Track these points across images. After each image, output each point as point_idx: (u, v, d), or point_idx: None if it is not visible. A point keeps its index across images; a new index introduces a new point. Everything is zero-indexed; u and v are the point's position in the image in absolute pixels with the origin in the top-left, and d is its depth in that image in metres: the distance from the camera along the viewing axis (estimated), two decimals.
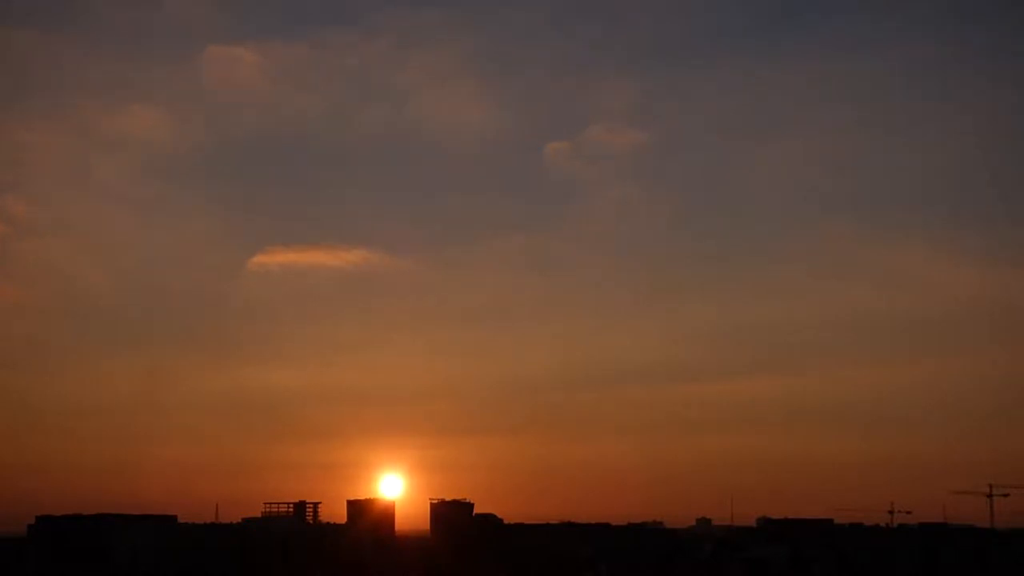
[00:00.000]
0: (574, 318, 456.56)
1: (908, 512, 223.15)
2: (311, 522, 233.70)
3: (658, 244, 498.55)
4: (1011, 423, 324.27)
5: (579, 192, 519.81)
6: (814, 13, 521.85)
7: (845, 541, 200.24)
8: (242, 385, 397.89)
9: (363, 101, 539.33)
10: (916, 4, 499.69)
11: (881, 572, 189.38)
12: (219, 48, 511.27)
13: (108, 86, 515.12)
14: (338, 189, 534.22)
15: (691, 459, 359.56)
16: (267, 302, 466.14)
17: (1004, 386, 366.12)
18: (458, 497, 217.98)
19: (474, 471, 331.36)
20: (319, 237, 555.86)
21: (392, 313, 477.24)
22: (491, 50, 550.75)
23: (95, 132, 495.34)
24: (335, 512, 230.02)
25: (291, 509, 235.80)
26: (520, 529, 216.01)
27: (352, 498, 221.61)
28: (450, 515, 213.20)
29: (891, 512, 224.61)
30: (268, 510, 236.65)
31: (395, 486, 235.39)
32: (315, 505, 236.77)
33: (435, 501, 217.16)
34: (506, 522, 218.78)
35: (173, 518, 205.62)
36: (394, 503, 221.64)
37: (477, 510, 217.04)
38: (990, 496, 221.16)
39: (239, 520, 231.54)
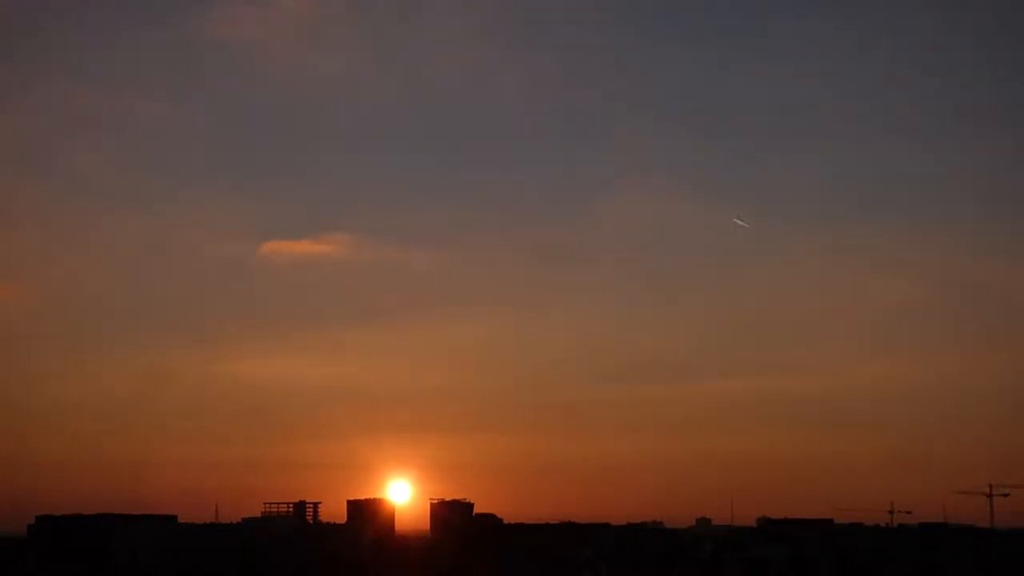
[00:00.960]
0: (575, 317, 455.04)
1: (908, 512, 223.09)
2: (311, 522, 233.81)
3: (659, 243, 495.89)
4: (1012, 423, 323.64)
5: None
6: None
7: (845, 541, 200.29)
8: (242, 384, 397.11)
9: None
10: None
11: (881, 572, 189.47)
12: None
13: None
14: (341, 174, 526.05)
15: (691, 459, 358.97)
16: (267, 299, 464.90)
17: (1004, 386, 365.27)
18: (458, 497, 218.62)
19: (474, 471, 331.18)
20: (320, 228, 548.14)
21: (393, 310, 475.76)
22: None
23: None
24: (335, 512, 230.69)
25: (291, 509, 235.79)
26: (520, 529, 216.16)
27: (352, 498, 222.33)
28: (450, 515, 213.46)
29: (891, 512, 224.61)
30: (268, 510, 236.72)
31: (403, 491, 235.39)
32: (315, 505, 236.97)
33: (435, 501, 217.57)
34: (506, 522, 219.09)
35: (173, 518, 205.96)
36: (394, 504, 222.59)
37: (477, 510, 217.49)
38: (990, 496, 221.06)
39: (239, 520, 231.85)
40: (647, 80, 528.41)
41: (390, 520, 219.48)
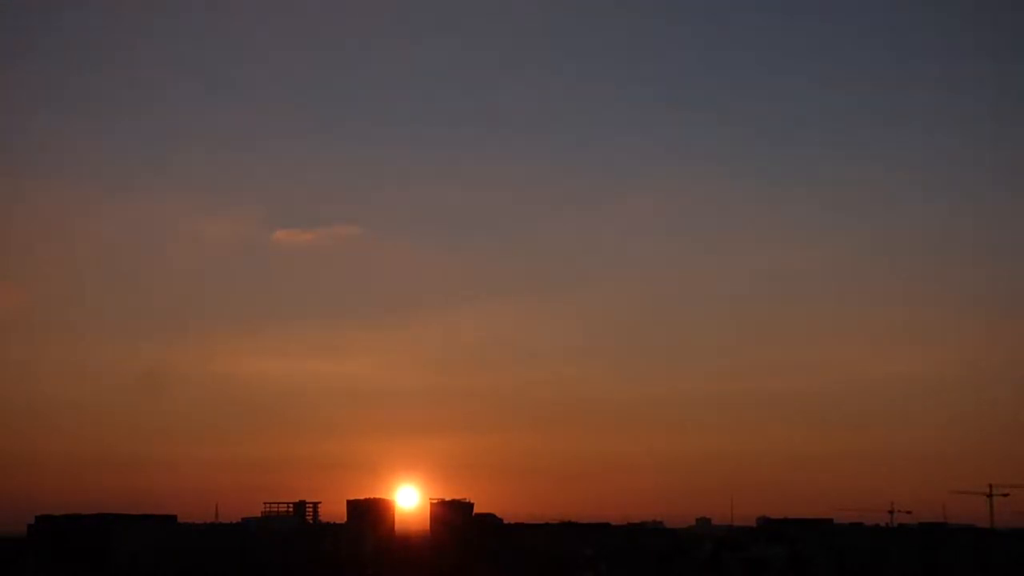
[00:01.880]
0: (577, 316, 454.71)
1: (908, 512, 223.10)
2: (311, 522, 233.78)
3: (660, 243, 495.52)
4: (1012, 423, 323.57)
5: None
6: None
7: (845, 541, 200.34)
8: (242, 384, 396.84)
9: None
10: None
11: (881, 572, 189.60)
12: None
13: None
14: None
15: (691, 459, 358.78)
16: (268, 299, 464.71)
17: (1005, 385, 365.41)
18: (458, 497, 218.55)
19: (474, 471, 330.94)
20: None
21: (393, 310, 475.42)
22: None
23: None
24: (335, 512, 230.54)
25: (291, 509, 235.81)
26: (520, 529, 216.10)
27: (352, 498, 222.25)
28: (450, 515, 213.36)
29: (891, 512, 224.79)
30: (268, 510, 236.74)
31: (410, 496, 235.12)
32: (315, 505, 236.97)
33: (435, 501, 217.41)
34: (506, 522, 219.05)
35: (173, 518, 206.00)
36: (401, 507, 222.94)
37: (477, 510, 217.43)
38: (990, 496, 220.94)
39: (239, 520, 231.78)
40: (651, 76, 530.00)
41: (390, 520, 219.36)
